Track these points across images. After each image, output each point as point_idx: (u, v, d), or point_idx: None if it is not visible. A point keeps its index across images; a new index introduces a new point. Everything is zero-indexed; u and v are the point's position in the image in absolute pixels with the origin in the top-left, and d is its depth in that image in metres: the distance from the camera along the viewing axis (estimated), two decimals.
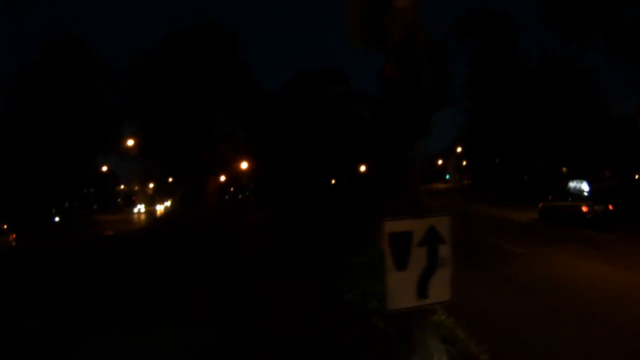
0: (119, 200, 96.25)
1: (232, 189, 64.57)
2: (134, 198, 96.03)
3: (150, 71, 47.67)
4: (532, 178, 59.08)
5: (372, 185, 71.35)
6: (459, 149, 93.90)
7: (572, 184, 33.13)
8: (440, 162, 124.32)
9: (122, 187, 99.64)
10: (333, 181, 72.53)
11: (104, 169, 72.38)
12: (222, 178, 57.33)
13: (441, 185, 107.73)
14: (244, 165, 53.11)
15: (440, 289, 5.49)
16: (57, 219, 55.42)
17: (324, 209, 40.96)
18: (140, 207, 77.17)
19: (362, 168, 71.61)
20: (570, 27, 37.04)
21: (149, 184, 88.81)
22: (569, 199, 29.07)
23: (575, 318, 9.95)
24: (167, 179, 69.46)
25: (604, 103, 50.13)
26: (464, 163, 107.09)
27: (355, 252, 14.96)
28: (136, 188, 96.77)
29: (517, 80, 52.37)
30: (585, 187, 31.34)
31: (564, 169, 56.80)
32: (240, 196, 65.43)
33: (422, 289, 5.42)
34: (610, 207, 25.94)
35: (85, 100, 46.96)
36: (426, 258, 5.36)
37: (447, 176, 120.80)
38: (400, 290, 5.33)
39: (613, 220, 25.00)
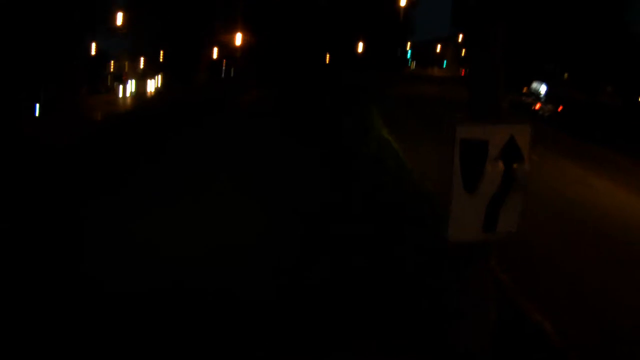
0: (108, 80, 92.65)
1: (224, 64, 62.08)
2: (124, 77, 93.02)
3: None
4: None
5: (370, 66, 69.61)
6: (460, 37, 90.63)
7: (534, 85, 35.31)
8: (438, 48, 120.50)
9: (112, 65, 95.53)
10: (327, 59, 69.88)
11: (93, 47, 69.44)
12: (215, 54, 54.84)
13: (436, 73, 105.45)
14: (239, 39, 50.28)
15: (509, 218, 4.17)
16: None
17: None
18: (130, 85, 74.74)
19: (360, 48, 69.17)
20: None
21: (139, 60, 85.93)
22: (532, 97, 33.33)
23: None
24: (158, 54, 66.67)
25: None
26: (463, 52, 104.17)
27: None
28: (126, 64, 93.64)
29: None
30: (543, 88, 33.86)
31: (566, 75, 55.00)
32: (233, 74, 63.06)
33: (490, 218, 4.09)
34: (560, 108, 29.19)
35: None
36: (501, 177, 4.00)
37: (444, 64, 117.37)
38: (467, 217, 4.03)
39: (560, 118, 28.66)
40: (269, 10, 54.40)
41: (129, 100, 60.17)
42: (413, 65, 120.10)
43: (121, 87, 79.63)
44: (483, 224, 4.03)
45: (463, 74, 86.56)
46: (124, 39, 62.88)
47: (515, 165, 3.98)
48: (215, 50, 54.43)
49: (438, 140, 10.70)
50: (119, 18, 43.95)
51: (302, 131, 20.30)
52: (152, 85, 71.16)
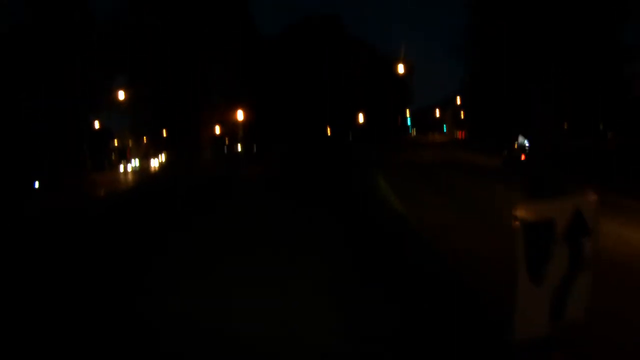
0: (112, 156, 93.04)
1: (227, 141, 62.29)
2: (127, 154, 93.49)
3: (138, 21, 44.95)
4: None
5: (372, 136, 69.89)
6: (458, 101, 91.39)
7: (520, 139, 38.53)
8: (437, 113, 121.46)
9: (115, 142, 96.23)
10: (328, 131, 70.10)
11: (97, 125, 70.09)
12: (218, 130, 55.09)
13: (437, 138, 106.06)
14: (240, 116, 50.55)
15: (577, 303, 3.56)
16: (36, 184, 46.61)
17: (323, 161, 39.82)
18: (134, 163, 74.85)
19: (361, 118, 69.47)
20: None
21: (142, 139, 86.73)
22: (518, 151, 36.89)
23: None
24: (161, 133, 67.15)
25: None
26: (462, 116, 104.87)
27: None
28: (129, 143, 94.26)
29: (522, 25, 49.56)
30: (526, 142, 37.60)
31: (565, 125, 54.82)
32: (236, 148, 63.25)
33: (558, 306, 3.48)
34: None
35: (76, 54, 44.43)
36: (568, 258, 3.41)
37: (445, 128, 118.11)
38: (534, 309, 3.39)
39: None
40: (270, 86, 55.05)
41: (130, 177, 60.10)
42: (414, 132, 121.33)
43: (123, 164, 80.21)
44: (550, 314, 3.42)
45: (460, 136, 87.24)
46: (127, 116, 63.42)
47: (582, 241, 3.41)
48: (217, 127, 54.79)
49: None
50: (121, 95, 44.03)
51: (314, 200, 20.01)
52: (156, 162, 71.61)
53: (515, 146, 39.24)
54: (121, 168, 74.15)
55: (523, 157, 34.25)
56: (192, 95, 43.62)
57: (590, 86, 44.97)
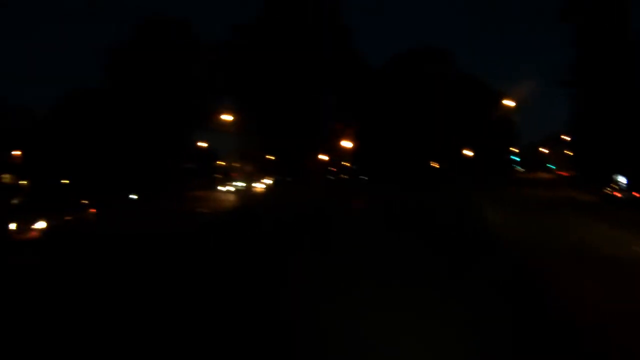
0: (217, 176, 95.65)
1: (334, 169, 62.32)
2: (233, 174, 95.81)
3: (247, 44, 45.80)
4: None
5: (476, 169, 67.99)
6: (565, 137, 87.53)
7: (615, 177, 44.75)
8: (545, 150, 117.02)
9: (221, 163, 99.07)
10: (436, 165, 68.74)
11: (203, 144, 72.09)
12: (325, 157, 55.23)
13: (545, 176, 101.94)
14: (348, 144, 50.33)
15: None
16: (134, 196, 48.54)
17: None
18: (239, 184, 76.20)
19: (469, 153, 67.76)
20: None
21: (248, 162, 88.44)
22: (614, 188, 42.71)
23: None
24: (266, 157, 68.21)
25: None
26: (571, 153, 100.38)
27: None
28: (236, 165, 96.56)
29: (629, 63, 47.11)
30: (622, 179, 43.89)
31: None
32: (343, 176, 63.12)
33: None
34: (635, 194, 38.79)
35: (182, 74, 46.01)
36: None
37: (552, 166, 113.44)
38: None
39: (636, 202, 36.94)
40: (377, 116, 54.67)
41: (233, 197, 61.07)
42: (520, 169, 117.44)
43: (229, 184, 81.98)
44: None
45: (567, 174, 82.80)
46: (235, 139, 64.53)
47: None
48: (325, 155, 54.98)
49: None
50: (227, 118, 44.82)
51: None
52: (262, 184, 72.85)
53: (614, 185, 44.16)
54: (226, 187, 75.92)
55: (618, 195, 40.24)
56: (299, 121, 43.92)
57: None
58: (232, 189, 72.49)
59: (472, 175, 64.05)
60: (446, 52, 66.01)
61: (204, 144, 77.73)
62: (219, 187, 79.27)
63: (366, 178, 60.38)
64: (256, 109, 45.48)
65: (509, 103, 59.68)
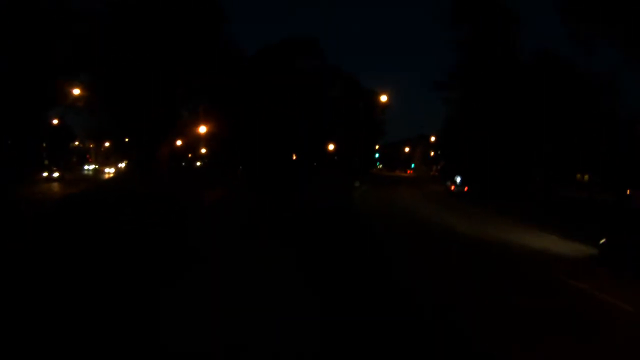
0: (73, 158, 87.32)
1: (189, 155, 58.21)
2: (88, 156, 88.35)
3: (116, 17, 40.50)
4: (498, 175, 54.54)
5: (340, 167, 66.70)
6: (432, 138, 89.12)
7: (455, 177, 56.56)
8: (407, 149, 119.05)
9: (76, 143, 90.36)
10: (294, 156, 66.02)
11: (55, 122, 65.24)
12: (179, 143, 51.06)
13: (405, 173, 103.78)
14: (203, 129, 46.26)
15: None
16: None
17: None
18: (89, 168, 70.03)
19: (331, 147, 66.14)
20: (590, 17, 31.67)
21: (104, 143, 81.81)
22: (452, 184, 56.68)
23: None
24: (124, 139, 62.47)
25: (603, 104, 44.83)
26: (432, 153, 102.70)
27: None
28: (91, 146, 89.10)
29: (509, 75, 47.29)
30: (458, 179, 55.98)
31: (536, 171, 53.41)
32: (197, 166, 59.15)
33: None
34: (466, 188, 53.21)
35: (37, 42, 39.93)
36: None
37: (412, 165, 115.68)
38: None
39: (466, 194, 51.32)
40: (240, 104, 51.18)
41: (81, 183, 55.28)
42: (380, 166, 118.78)
43: (85, 167, 75.10)
44: None
45: (435, 172, 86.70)
46: (92, 118, 58.05)
47: None
48: (179, 140, 50.88)
49: None
50: (77, 93, 39.55)
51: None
52: (112, 170, 67.16)
53: (452, 182, 57.71)
54: (76, 171, 69.30)
55: (452, 188, 56.14)
56: (153, 102, 39.29)
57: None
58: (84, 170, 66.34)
59: (330, 168, 62.63)
60: (315, 43, 63.80)
61: (56, 122, 70.82)
62: (73, 170, 72.71)
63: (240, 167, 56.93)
64: (113, 86, 40.19)
65: (381, 99, 59.10)
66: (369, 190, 55.16)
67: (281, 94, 52.22)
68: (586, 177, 52.68)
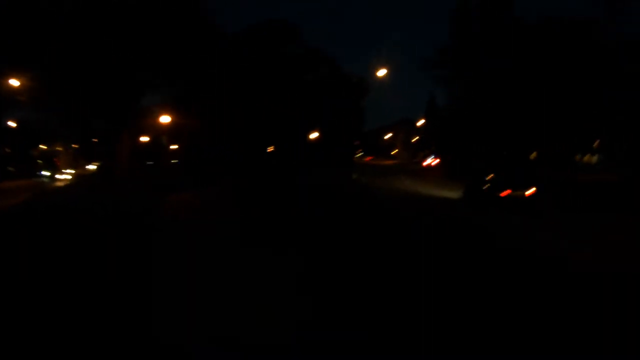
0: (39, 162, 79.02)
1: (161, 151, 51.54)
2: (55, 160, 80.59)
3: None
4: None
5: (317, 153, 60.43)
6: (419, 122, 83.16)
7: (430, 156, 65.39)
8: (389, 135, 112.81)
9: (42, 146, 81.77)
10: (270, 148, 59.19)
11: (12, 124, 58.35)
12: (146, 139, 44.35)
13: (388, 162, 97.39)
14: (166, 119, 39.05)
15: None
16: None
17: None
18: (46, 173, 62.81)
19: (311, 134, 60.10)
20: None
21: (72, 144, 74.83)
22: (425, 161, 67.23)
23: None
24: (92, 139, 55.39)
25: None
26: (414, 140, 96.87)
27: None
28: (58, 149, 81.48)
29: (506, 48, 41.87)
30: (431, 158, 65.13)
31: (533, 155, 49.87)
32: (164, 162, 52.49)
33: None
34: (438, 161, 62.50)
35: None
36: None
37: (393, 152, 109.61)
38: None
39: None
40: (216, 90, 44.65)
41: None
42: (361, 153, 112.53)
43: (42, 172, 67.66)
44: None
45: (427, 164, 67.16)
46: (55, 117, 50.93)
47: None
48: (144, 136, 44.20)
49: None
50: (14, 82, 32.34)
51: None
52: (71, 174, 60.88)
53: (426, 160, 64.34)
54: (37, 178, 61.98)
55: (423, 164, 66.60)
56: (107, 90, 32.33)
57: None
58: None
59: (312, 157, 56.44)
60: (294, 26, 57.43)
61: (13, 124, 63.67)
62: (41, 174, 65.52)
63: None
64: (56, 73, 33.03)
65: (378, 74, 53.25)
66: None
67: (262, 78, 45.67)
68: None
